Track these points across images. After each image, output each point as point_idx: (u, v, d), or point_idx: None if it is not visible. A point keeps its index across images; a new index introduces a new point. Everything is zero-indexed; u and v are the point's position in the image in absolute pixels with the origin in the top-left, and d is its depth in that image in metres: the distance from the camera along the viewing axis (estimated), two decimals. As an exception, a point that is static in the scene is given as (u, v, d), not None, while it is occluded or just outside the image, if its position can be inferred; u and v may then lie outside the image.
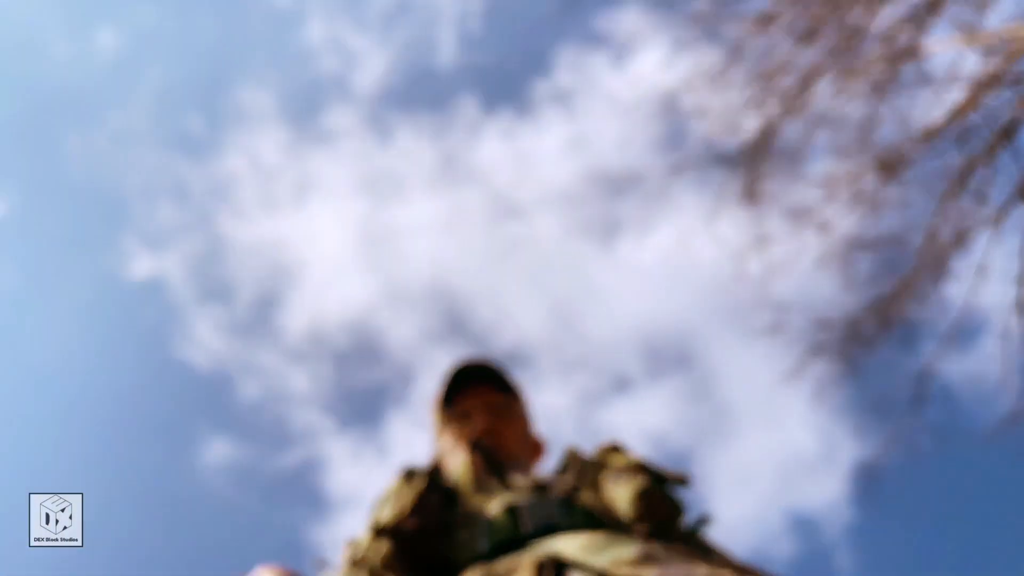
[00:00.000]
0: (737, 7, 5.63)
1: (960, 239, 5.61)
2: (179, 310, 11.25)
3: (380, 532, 0.94)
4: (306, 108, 12.34)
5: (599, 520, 0.92)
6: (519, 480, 1.06)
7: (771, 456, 5.63)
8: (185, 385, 11.38)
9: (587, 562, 0.74)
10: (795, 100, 5.52)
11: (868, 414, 5.73)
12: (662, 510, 0.91)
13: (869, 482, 5.40)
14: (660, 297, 5.37)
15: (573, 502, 0.97)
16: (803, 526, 7.10)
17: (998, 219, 5.51)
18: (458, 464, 1.19)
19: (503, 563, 0.82)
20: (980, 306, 5.65)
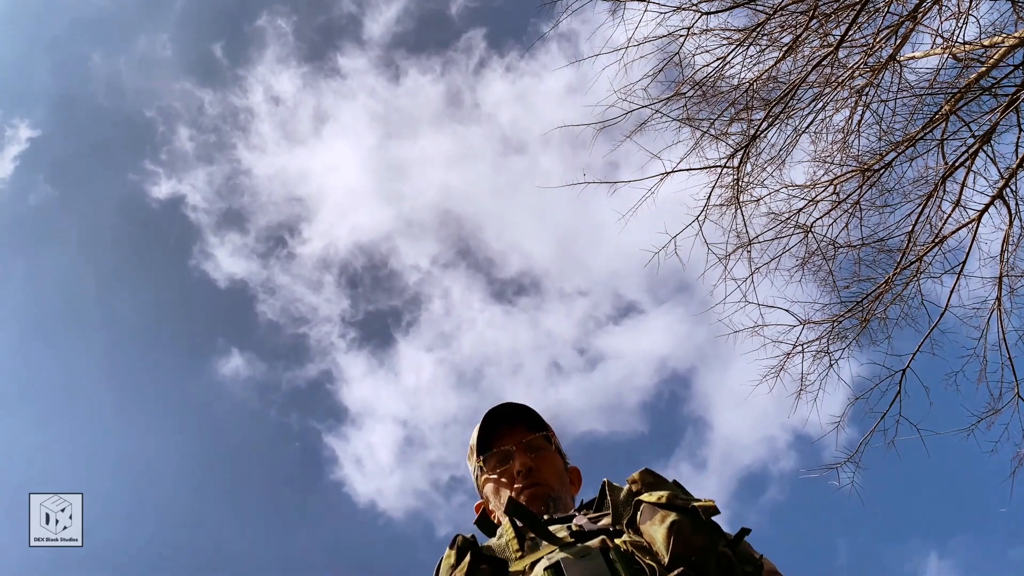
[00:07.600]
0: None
1: (940, 241, 5.77)
2: (200, 231, 11.97)
3: None
4: (323, 46, 12.62)
5: (639, 566, 0.97)
6: (560, 531, 1.10)
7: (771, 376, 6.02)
8: (205, 301, 12.27)
9: None
10: (779, 106, 5.75)
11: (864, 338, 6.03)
12: (696, 542, 0.95)
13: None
14: (660, 229, 5.80)
15: (613, 550, 1.01)
16: (804, 443, 7.22)
17: (977, 222, 5.64)
18: (502, 518, 1.22)
19: None
20: (959, 305, 5.83)
